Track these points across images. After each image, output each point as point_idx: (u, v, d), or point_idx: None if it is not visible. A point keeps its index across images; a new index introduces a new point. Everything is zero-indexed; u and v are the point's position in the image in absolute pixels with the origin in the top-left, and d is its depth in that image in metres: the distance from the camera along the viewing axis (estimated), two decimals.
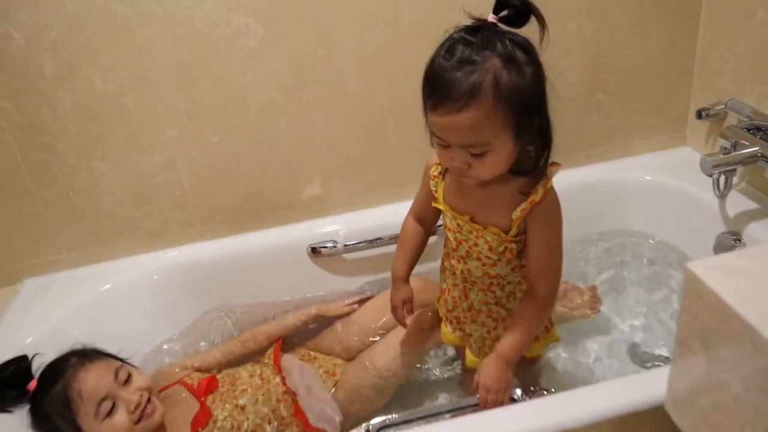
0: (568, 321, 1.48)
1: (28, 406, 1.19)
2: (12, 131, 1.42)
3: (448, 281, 1.20)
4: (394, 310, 1.26)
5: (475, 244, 1.09)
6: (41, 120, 1.42)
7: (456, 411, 1.07)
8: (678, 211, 1.59)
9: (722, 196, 1.47)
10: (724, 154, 1.39)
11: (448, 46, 0.93)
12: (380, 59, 1.47)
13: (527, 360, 1.21)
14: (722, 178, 1.45)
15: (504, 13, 0.93)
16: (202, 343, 1.55)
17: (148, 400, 1.20)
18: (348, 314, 1.50)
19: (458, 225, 1.10)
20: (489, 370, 1.06)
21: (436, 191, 1.14)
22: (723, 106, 1.52)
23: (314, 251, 1.58)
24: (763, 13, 1.37)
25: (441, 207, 1.13)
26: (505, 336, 1.09)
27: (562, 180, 1.56)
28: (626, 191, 1.67)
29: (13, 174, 1.46)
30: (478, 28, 0.92)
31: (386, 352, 1.37)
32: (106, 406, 1.14)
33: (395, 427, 1.05)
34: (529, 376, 1.29)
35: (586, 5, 1.51)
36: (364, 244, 1.58)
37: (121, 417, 1.15)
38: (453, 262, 1.16)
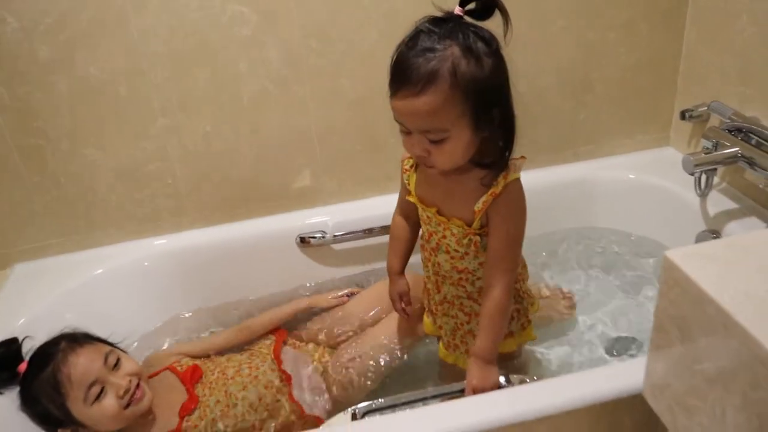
0: (547, 325, 1.50)
1: (18, 388, 1.20)
2: (3, 115, 1.42)
3: (425, 273, 1.24)
4: (393, 303, 1.30)
5: (444, 237, 1.12)
6: (34, 105, 1.42)
7: (441, 396, 1.10)
8: (660, 209, 1.63)
9: (703, 195, 1.50)
10: (705, 154, 1.42)
11: (412, 35, 0.96)
12: (374, 52, 1.49)
13: (503, 356, 1.22)
14: (703, 178, 1.49)
15: (470, 6, 0.96)
16: (194, 334, 1.57)
17: (137, 385, 1.21)
18: (338, 306, 1.52)
19: (427, 217, 1.13)
20: (473, 372, 1.10)
21: (408, 184, 1.16)
22: (706, 108, 1.55)
23: (303, 241, 1.60)
24: (747, 17, 1.40)
25: (412, 200, 1.16)
26: (476, 338, 1.12)
27: (549, 177, 1.59)
28: (610, 189, 1.70)
29: (5, 159, 1.47)
30: (444, 19, 0.95)
31: (373, 343, 1.39)
32: (95, 390, 1.16)
33: (381, 411, 1.08)
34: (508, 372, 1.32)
35: (578, 2, 1.54)
36: (352, 234, 1.60)
37: (110, 401, 1.17)
38: (426, 254, 1.19)
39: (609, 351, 1.45)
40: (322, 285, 1.65)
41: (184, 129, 1.50)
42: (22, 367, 1.21)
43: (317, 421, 1.31)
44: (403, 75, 0.94)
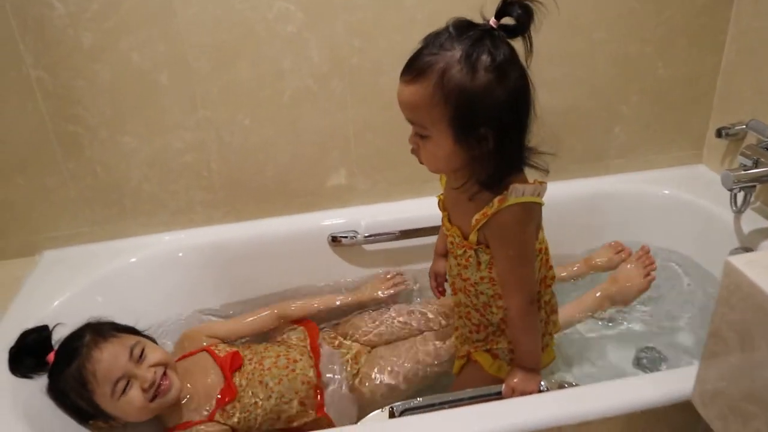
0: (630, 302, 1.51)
1: (46, 374, 1.20)
2: (46, 101, 1.43)
3: None
4: (429, 280, 1.36)
5: (452, 242, 1.13)
6: (75, 91, 1.43)
7: (478, 398, 1.09)
8: (694, 225, 1.62)
9: (739, 212, 1.50)
10: (744, 171, 1.42)
11: (436, 32, 0.97)
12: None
13: None
14: (740, 195, 1.48)
15: (505, 20, 0.95)
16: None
17: (164, 374, 1.20)
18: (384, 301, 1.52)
19: (442, 220, 1.16)
20: (514, 374, 1.12)
21: (441, 183, 1.18)
22: (744, 126, 1.55)
23: (334, 240, 1.60)
24: None
25: (438, 197, 1.18)
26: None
27: (583, 188, 1.58)
28: (644, 204, 1.69)
29: (43, 144, 1.47)
30: (472, 25, 0.95)
31: (408, 356, 1.39)
32: (121, 384, 1.16)
33: (418, 411, 1.07)
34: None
35: (620, 14, 1.54)
36: (384, 236, 1.60)
37: (135, 394, 1.16)
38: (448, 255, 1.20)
39: (637, 361, 1.44)
40: (352, 285, 1.64)
41: (223, 122, 1.50)
42: (51, 357, 1.21)
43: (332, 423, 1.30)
44: (407, 63, 0.97)
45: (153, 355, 1.22)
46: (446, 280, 1.32)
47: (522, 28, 0.93)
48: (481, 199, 1.02)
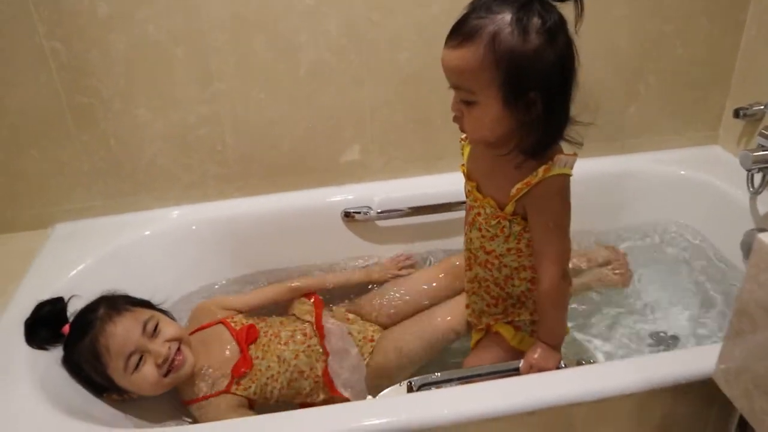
0: (597, 288, 1.51)
1: (61, 346, 1.21)
2: (60, 72, 1.41)
3: (464, 248, 1.22)
4: None
5: (478, 214, 1.11)
6: (90, 63, 1.41)
7: (496, 374, 1.09)
8: (709, 206, 1.62)
9: (756, 192, 1.49)
10: (763, 151, 1.41)
11: (469, 7, 0.95)
12: (434, 31, 1.46)
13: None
14: (758, 176, 1.47)
15: None
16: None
17: (178, 349, 1.21)
18: (392, 281, 1.52)
19: (468, 191, 1.14)
20: (534, 350, 1.11)
21: (462, 154, 1.16)
22: (762, 107, 1.54)
23: (347, 216, 1.60)
24: None
25: (461, 169, 1.16)
26: (537, 328, 1.14)
27: (598, 167, 1.57)
28: (660, 184, 1.69)
29: (57, 116, 1.46)
30: None
31: (421, 328, 1.38)
32: (134, 359, 1.16)
33: (436, 385, 1.07)
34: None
35: None
36: (397, 212, 1.60)
37: (149, 369, 1.16)
38: (465, 228, 1.19)
39: (650, 343, 1.44)
40: (365, 261, 1.64)
41: (239, 95, 1.49)
42: (66, 329, 1.21)
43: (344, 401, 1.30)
44: (453, 27, 0.94)
45: (167, 330, 1.21)
46: None
47: None
48: (525, 167, 1.01)
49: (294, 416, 1.04)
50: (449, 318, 1.37)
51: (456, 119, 1.01)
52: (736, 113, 1.58)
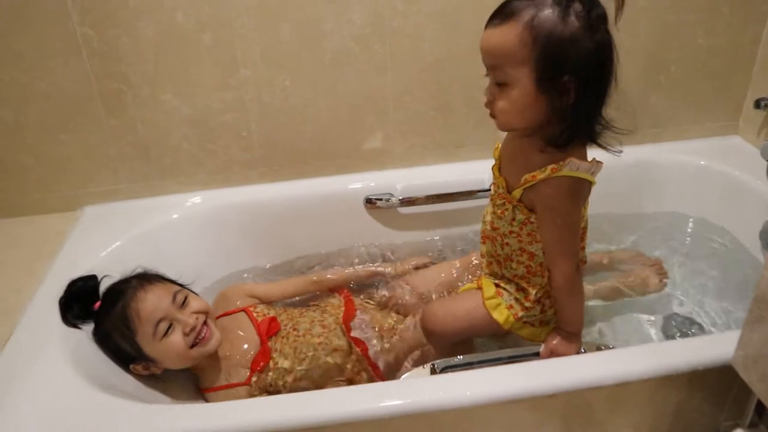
0: (639, 293, 1.51)
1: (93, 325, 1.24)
2: (91, 58, 1.44)
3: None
4: None
5: (495, 191, 1.15)
6: (120, 49, 1.44)
7: (517, 358, 1.12)
8: (729, 196, 1.63)
9: None
10: None
11: None
12: (459, 20, 1.49)
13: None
14: None
15: None
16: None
17: (204, 323, 1.24)
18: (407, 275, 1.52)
19: (492, 166, 1.17)
20: (554, 336, 1.14)
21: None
22: None
23: (369, 202, 1.62)
24: None
25: (497, 145, 1.18)
26: (557, 317, 1.17)
27: (616, 157, 1.57)
28: (680, 174, 1.70)
29: (87, 101, 1.49)
30: None
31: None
32: (163, 326, 1.19)
33: (458, 369, 1.10)
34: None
35: None
36: (419, 199, 1.62)
37: (176, 337, 1.20)
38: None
39: (666, 330, 1.46)
40: (386, 247, 1.67)
41: (264, 82, 1.52)
42: (97, 305, 1.25)
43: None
44: (496, 10, 0.96)
45: (195, 303, 1.26)
46: None
47: None
48: (540, 159, 1.02)
49: (317, 396, 1.07)
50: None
51: (488, 104, 1.02)
52: (757, 104, 1.59)
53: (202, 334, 1.23)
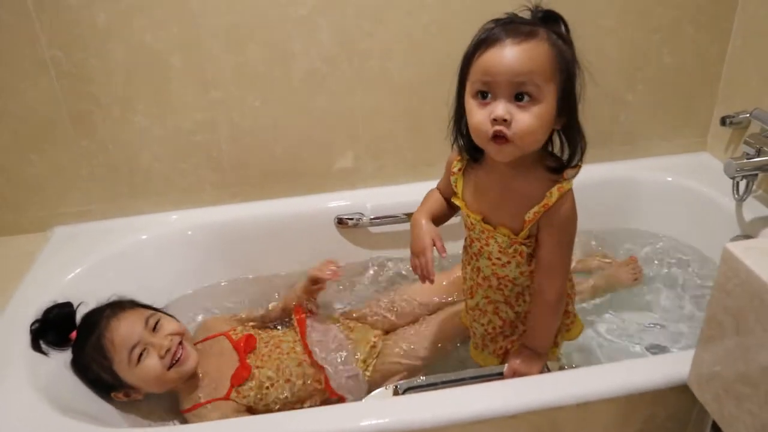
0: (612, 289, 1.56)
1: (66, 352, 1.25)
2: (60, 80, 1.45)
3: (463, 275, 1.23)
4: (421, 253, 1.12)
5: (486, 244, 1.10)
6: (89, 70, 1.45)
7: (481, 378, 1.12)
8: (696, 212, 1.64)
9: (741, 200, 1.52)
10: (747, 159, 1.44)
11: (502, 21, 0.95)
12: (426, 41, 1.51)
13: None
14: (743, 183, 1.50)
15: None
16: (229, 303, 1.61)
17: (180, 343, 1.25)
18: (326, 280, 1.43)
19: (471, 223, 1.11)
20: (518, 356, 1.13)
21: (455, 187, 1.13)
22: (748, 115, 1.56)
23: (341, 222, 1.63)
24: None
25: (458, 203, 1.12)
26: (526, 335, 1.15)
27: (586, 174, 1.60)
28: (646, 190, 1.72)
29: (56, 122, 1.49)
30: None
31: (422, 338, 1.40)
32: (137, 351, 1.20)
33: (421, 389, 1.10)
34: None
35: (627, 1, 1.55)
36: (390, 218, 1.63)
37: (152, 361, 1.21)
38: (466, 257, 1.19)
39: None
40: (356, 265, 1.67)
41: (234, 102, 1.53)
42: (74, 334, 1.26)
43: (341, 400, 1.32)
44: (500, 32, 0.92)
45: (169, 326, 1.27)
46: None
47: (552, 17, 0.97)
48: (540, 185, 1.01)
49: (281, 418, 1.07)
50: (453, 322, 1.40)
51: (497, 133, 0.93)
52: (723, 121, 1.61)
53: (178, 355, 1.23)
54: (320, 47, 1.49)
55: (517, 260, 1.09)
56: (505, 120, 0.92)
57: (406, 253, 1.64)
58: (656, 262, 1.66)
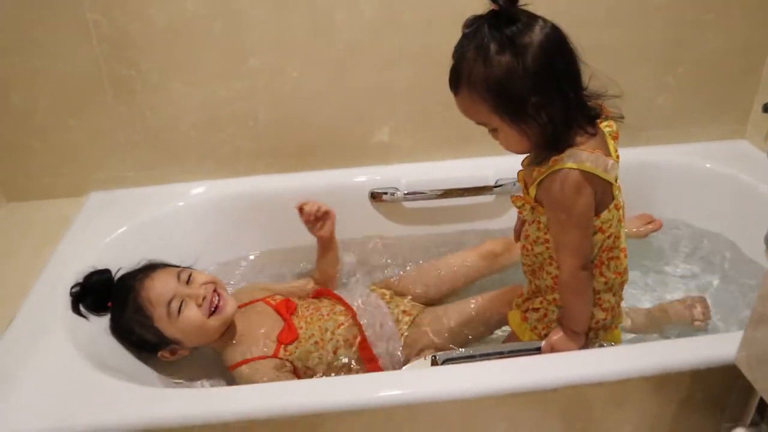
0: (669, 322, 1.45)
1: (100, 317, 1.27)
2: (101, 44, 1.45)
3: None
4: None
5: (524, 207, 1.15)
6: (130, 35, 1.45)
7: (518, 352, 1.12)
8: (734, 200, 1.62)
9: None
10: None
11: (458, 42, 1.03)
12: (467, 11, 1.48)
13: None
14: None
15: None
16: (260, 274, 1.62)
17: (215, 291, 1.26)
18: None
19: (518, 173, 1.17)
20: (556, 332, 1.14)
21: None
22: None
23: (374, 196, 1.62)
24: None
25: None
26: (560, 313, 1.17)
27: (621, 158, 1.58)
28: (685, 177, 1.69)
29: (95, 87, 1.50)
30: (474, 19, 1.00)
31: (461, 317, 1.39)
32: (175, 304, 1.22)
33: (460, 361, 1.10)
34: None
35: None
36: (424, 194, 1.62)
37: (192, 311, 1.22)
38: None
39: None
40: (389, 240, 1.67)
41: (273, 72, 1.52)
42: (110, 304, 1.27)
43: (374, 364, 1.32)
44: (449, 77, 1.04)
45: (201, 277, 1.28)
46: None
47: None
48: (545, 155, 1.05)
49: (318, 384, 1.08)
50: (493, 304, 1.39)
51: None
52: (765, 108, 1.58)
53: (216, 302, 1.25)
54: (363, 19, 1.48)
55: (537, 224, 1.12)
56: None
57: (440, 228, 1.67)
58: (691, 247, 1.65)
